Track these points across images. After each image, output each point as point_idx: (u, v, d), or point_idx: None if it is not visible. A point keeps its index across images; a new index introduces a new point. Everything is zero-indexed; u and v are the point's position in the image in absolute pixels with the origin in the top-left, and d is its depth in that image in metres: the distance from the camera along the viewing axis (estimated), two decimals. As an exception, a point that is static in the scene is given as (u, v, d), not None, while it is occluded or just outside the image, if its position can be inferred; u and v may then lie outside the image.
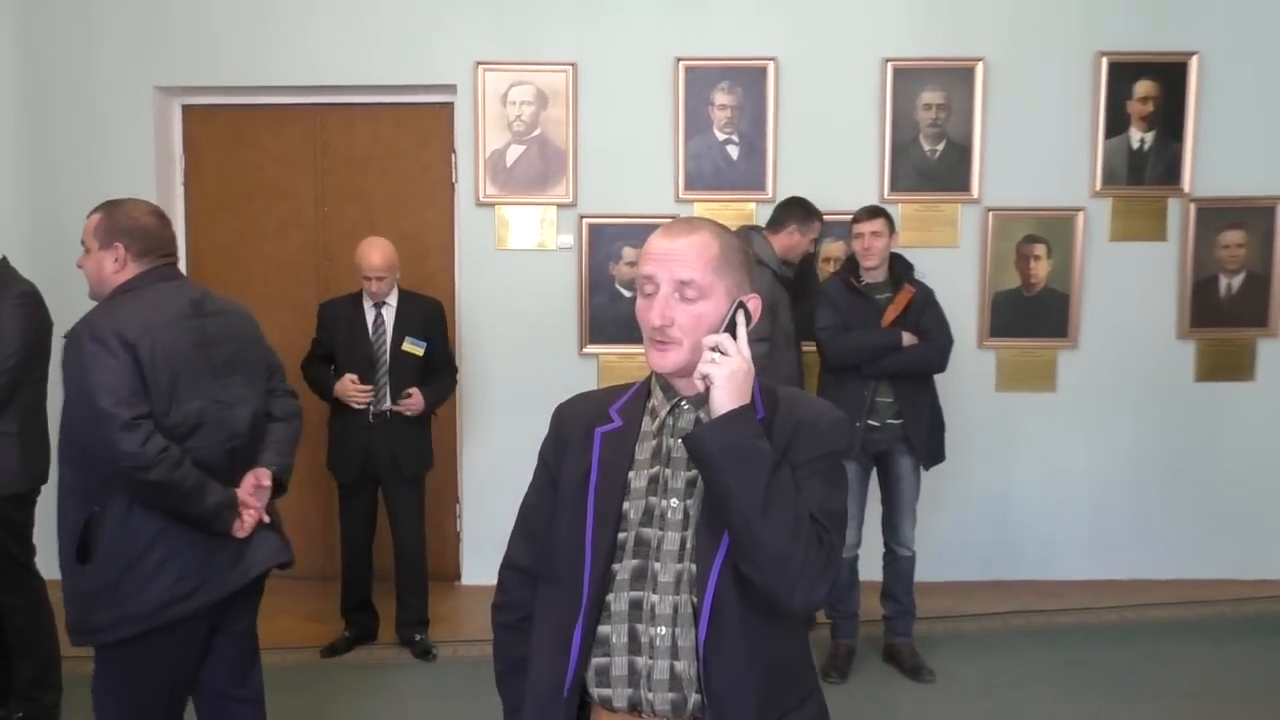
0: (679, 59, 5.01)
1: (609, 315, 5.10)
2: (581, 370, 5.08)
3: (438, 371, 4.49)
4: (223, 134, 5.23)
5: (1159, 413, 5.19)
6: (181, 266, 5.14)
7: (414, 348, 4.39)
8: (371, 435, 4.37)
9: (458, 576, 5.30)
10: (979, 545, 5.21)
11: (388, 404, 4.38)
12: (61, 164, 4.99)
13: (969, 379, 5.11)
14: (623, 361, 5.07)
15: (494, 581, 5.43)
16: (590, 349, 5.13)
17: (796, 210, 4.51)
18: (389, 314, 4.40)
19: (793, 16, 5.02)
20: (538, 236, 5.11)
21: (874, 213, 4.19)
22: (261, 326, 5.16)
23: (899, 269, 4.23)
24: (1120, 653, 4.41)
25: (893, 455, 4.20)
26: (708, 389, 1.57)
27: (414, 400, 4.34)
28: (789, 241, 4.46)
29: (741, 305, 1.64)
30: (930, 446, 4.24)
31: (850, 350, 4.12)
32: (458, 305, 5.20)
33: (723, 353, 1.57)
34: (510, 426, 5.06)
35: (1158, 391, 5.19)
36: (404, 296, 4.44)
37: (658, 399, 1.71)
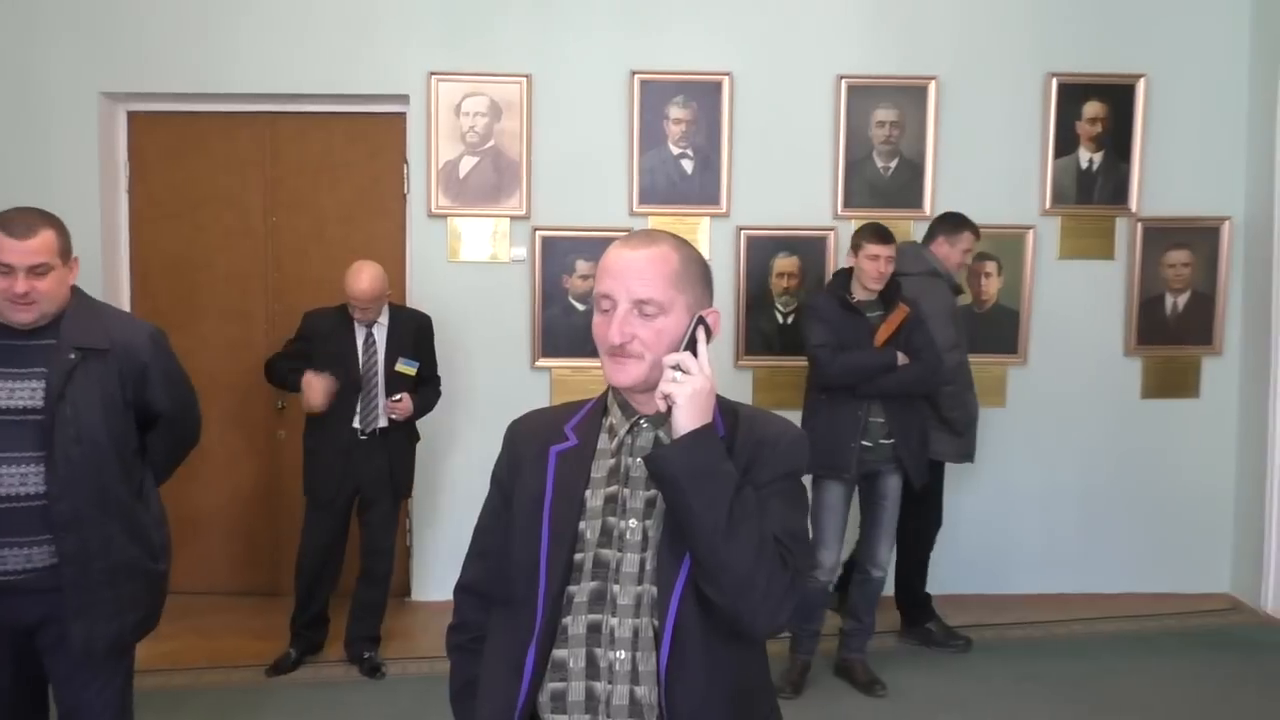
0: (634, 72, 5.00)
1: (562, 328, 5.07)
2: (534, 384, 5.04)
3: (424, 383, 4.45)
4: (170, 141, 5.13)
5: (1106, 428, 5.26)
6: (125, 276, 5.16)
7: (407, 369, 4.33)
8: (360, 453, 4.28)
9: (407, 593, 5.21)
10: (930, 561, 5.22)
11: (381, 423, 4.30)
12: (1, 169, 4.86)
13: (921, 394, 5.16)
14: (576, 375, 5.04)
15: (444, 598, 5.35)
16: (543, 362, 5.09)
17: (945, 222, 4.57)
18: (380, 333, 4.33)
19: (748, 32, 5.04)
20: (490, 249, 5.06)
21: (888, 237, 4.11)
22: (208, 338, 5.15)
23: (889, 288, 4.17)
24: (1070, 666, 4.44)
25: (881, 475, 4.15)
26: (669, 409, 1.54)
27: (404, 403, 4.29)
28: (938, 252, 4.48)
29: (701, 320, 1.62)
30: (920, 465, 4.20)
31: (849, 369, 4.03)
32: (409, 317, 5.14)
33: (685, 371, 1.55)
34: (462, 440, 5.02)
35: (1105, 408, 5.26)
36: (394, 314, 4.38)
37: (616, 417, 1.68)
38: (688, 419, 1.53)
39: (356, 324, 4.30)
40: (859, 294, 4.14)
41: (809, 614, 4.16)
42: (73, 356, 2.59)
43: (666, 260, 1.61)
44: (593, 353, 5.27)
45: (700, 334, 1.60)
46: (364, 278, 4.20)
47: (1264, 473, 5.05)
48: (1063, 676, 4.34)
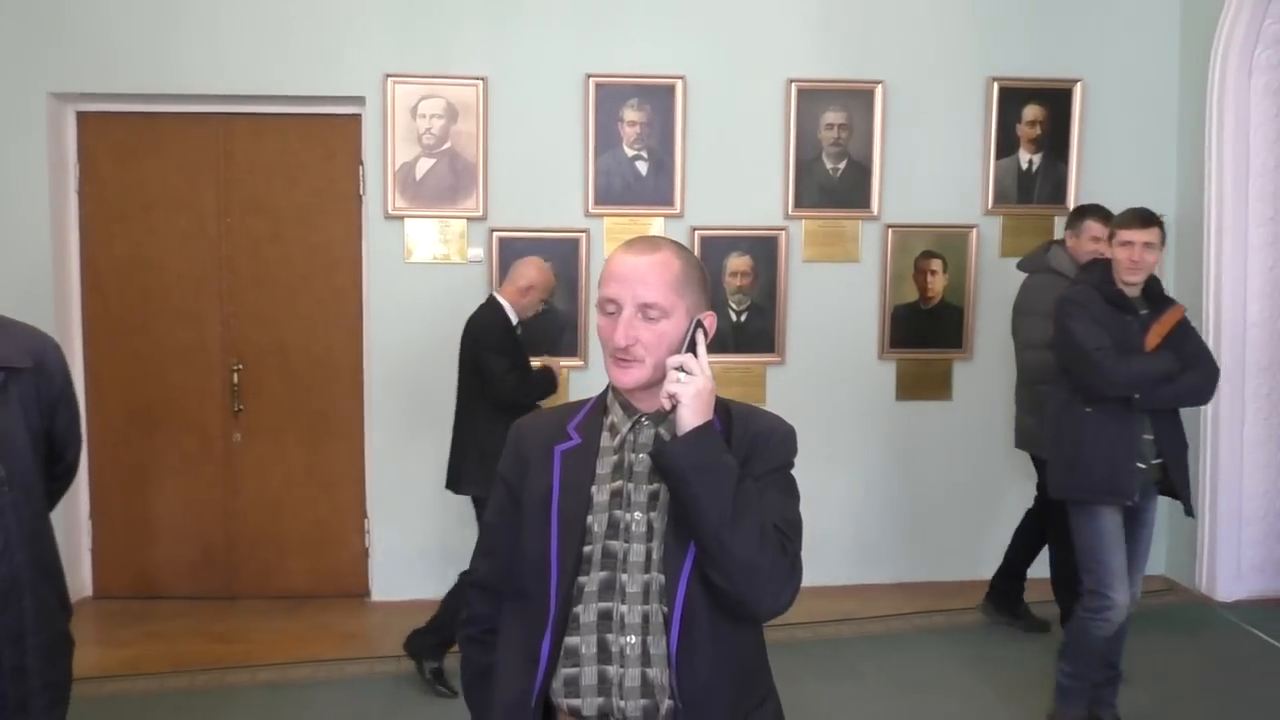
0: (589, 75, 5.07)
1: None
2: (493, 383, 5.08)
3: None
4: (121, 142, 5.07)
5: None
6: (75, 279, 5.10)
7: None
8: None
9: (367, 593, 5.22)
10: (881, 549, 5.38)
11: None
12: (-54, 171, 4.79)
13: (871, 388, 5.32)
14: (534, 374, 5.08)
15: (404, 598, 5.39)
16: (501, 362, 5.12)
17: (1070, 216, 4.52)
18: None
19: (701, 37, 5.14)
20: (448, 250, 5.09)
21: (1148, 220, 3.56)
22: (161, 341, 5.10)
23: (1152, 283, 3.66)
24: (1019, 646, 4.60)
25: (1144, 500, 3.64)
26: (674, 407, 1.63)
27: None
28: (1069, 245, 4.42)
29: (699, 324, 1.70)
30: (1189, 488, 3.67)
31: (1137, 378, 3.47)
32: (366, 318, 5.15)
33: (688, 372, 1.64)
34: (420, 440, 5.03)
35: (1046, 400, 5.43)
36: None
37: (617, 415, 1.76)
38: (692, 416, 1.62)
39: (514, 321, 4.32)
40: (1125, 290, 3.60)
41: (1093, 661, 3.68)
42: None
43: (668, 266, 1.69)
44: (548, 352, 5.27)
45: (700, 336, 1.69)
46: (549, 270, 4.49)
47: (1198, 457, 5.25)
48: (1013, 656, 4.50)
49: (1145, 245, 3.52)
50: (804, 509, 1.77)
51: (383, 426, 5.14)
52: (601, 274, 1.74)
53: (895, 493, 5.41)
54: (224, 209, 5.12)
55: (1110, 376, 3.47)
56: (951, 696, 4.15)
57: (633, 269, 1.68)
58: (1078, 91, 5.31)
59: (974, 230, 5.31)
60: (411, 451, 5.07)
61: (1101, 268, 3.67)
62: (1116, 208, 5.32)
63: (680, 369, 1.64)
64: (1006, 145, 5.31)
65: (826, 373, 5.28)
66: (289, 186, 5.13)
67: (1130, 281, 3.57)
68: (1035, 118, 5.31)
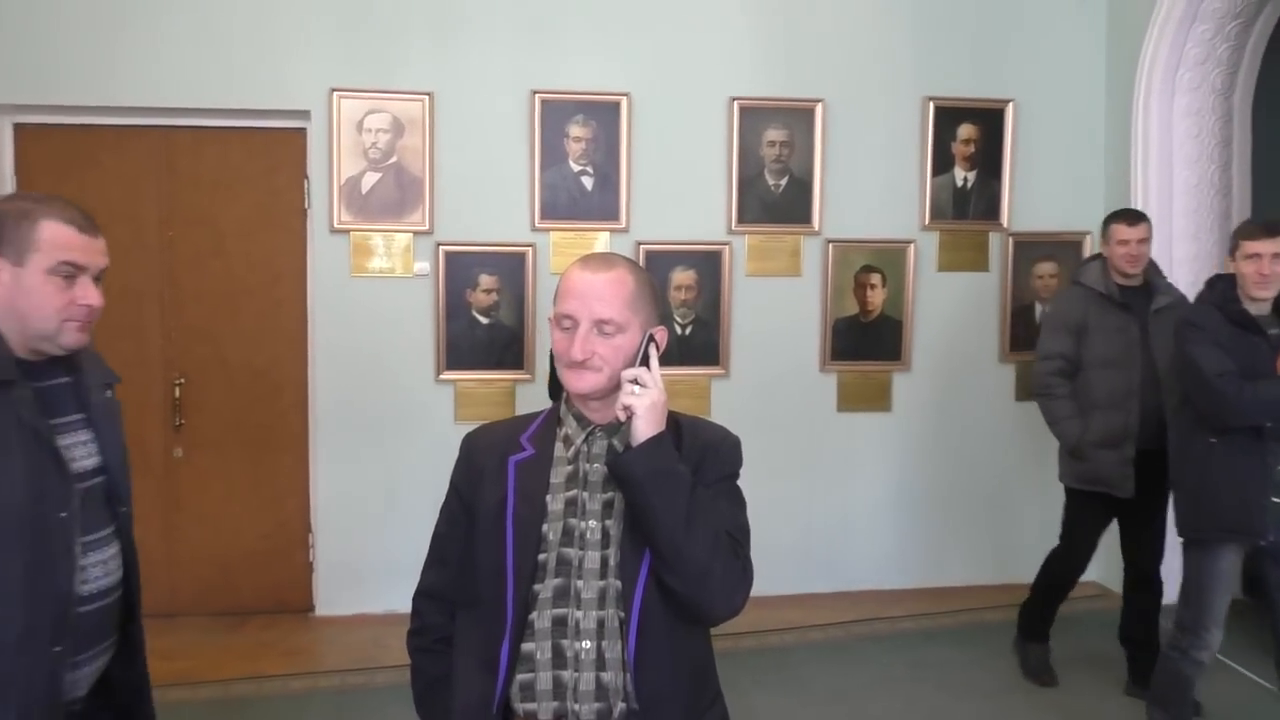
0: (535, 91, 5.12)
1: (465, 342, 5.12)
2: (438, 397, 5.08)
3: None
4: (59, 154, 5.00)
5: (985, 430, 5.58)
6: (12, 292, 5.00)
7: None
8: None
9: (311, 608, 5.18)
10: (823, 558, 5.47)
11: None
12: (-122, 183, 4.70)
13: (812, 400, 5.41)
14: (479, 388, 5.09)
15: (349, 613, 5.37)
16: (446, 375, 5.13)
17: (1104, 223, 4.25)
18: None
19: (645, 55, 5.21)
20: (394, 263, 5.10)
21: (1274, 228, 3.28)
22: (102, 356, 5.02)
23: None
24: (958, 653, 4.71)
25: (1277, 534, 3.32)
26: (629, 418, 1.68)
27: None
28: (1104, 252, 4.20)
29: (652, 338, 1.76)
30: None
31: (1266, 405, 3.19)
32: (310, 332, 5.13)
33: (642, 385, 1.69)
34: (365, 454, 5.01)
35: (983, 410, 5.58)
36: None
37: (571, 427, 1.81)
38: (646, 427, 1.68)
39: None
40: (1251, 307, 3.33)
41: (1188, 704, 3.49)
42: (110, 395, 2.10)
43: (623, 283, 1.75)
44: (495, 365, 5.34)
45: (653, 350, 1.75)
46: None
47: (1125, 468, 5.41)
48: (951, 662, 4.60)
49: (1275, 256, 3.25)
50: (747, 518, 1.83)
51: (327, 440, 5.12)
52: (557, 290, 1.79)
53: (836, 502, 5.50)
54: (166, 222, 5.08)
55: (1234, 404, 3.21)
56: (893, 703, 4.24)
57: (589, 286, 1.73)
58: (1010, 111, 5.46)
59: (911, 245, 5.44)
60: (356, 466, 5.05)
61: (1225, 284, 3.40)
62: (1046, 224, 5.57)
63: (635, 381, 1.69)
64: (942, 163, 5.45)
65: (769, 384, 5.37)
66: (232, 199, 5.11)
67: (1259, 298, 3.31)
68: (969, 136, 5.46)
